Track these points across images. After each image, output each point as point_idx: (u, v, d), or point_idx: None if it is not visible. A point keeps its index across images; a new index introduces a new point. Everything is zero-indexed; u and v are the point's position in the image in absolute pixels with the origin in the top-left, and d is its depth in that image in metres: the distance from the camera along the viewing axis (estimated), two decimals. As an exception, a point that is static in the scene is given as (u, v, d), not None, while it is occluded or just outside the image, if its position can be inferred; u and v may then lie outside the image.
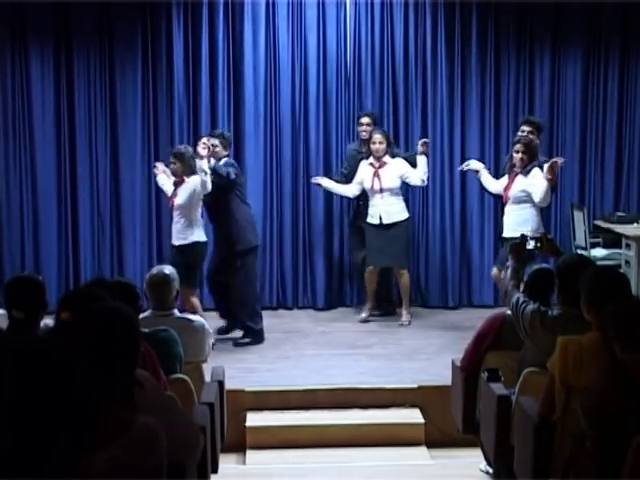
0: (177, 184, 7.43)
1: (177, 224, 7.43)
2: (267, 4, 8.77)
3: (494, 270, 7.69)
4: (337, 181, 8.36)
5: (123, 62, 8.73)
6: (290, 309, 8.86)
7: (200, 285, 8.06)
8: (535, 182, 7.22)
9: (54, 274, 8.66)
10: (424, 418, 6.27)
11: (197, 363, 5.01)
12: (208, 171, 7.13)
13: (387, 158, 8.04)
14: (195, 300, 7.48)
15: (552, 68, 8.99)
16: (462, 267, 9.06)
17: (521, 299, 4.61)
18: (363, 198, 8.24)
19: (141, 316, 4.73)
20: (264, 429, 6.18)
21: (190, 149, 7.46)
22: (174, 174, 7.48)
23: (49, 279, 8.05)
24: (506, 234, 7.29)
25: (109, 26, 8.68)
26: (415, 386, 6.46)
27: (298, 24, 8.80)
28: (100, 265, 8.84)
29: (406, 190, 8.90)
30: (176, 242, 7.44)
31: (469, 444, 5.55)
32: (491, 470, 5.33)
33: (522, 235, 5.20)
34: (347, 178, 8.32)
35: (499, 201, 7.77)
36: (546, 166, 7.15)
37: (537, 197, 7.20)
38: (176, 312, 5.13)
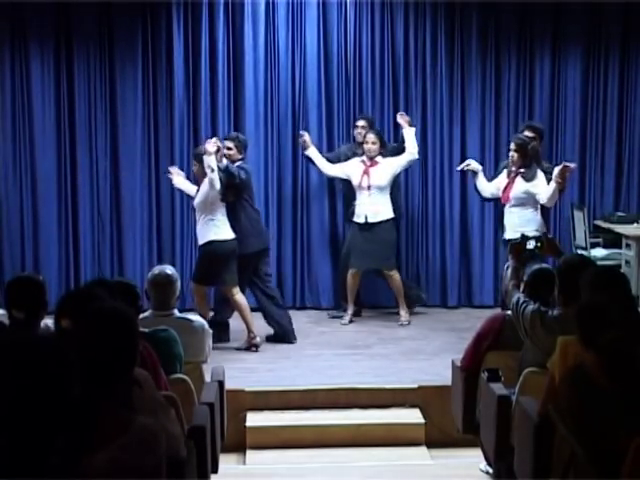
0: (198, 184, 7.49)
1: (197, 223, 7.50)
2: (267, 4, 8.77)
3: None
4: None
5: (123, 62, 8.73)
6: (290, 309, 8.86)
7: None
8: (539, 183, 7.22)
9: (54, 274, 8.66)
10: (424, 418, 6.27)
11: (197, 363, 5.01)
12: (215, 168, 7.15)
13: (379, 158, 8.08)
14: (239, 298, 7.50)
15: (552, 68, 8.99)
16: (462, 267, 9.06)
17: (521, 299, 4.61)
18: (353, 197, 8.24)
19: (141, 316, 4.73)
20: (264, 429, 6.18)
21: None
22: (195, 175, 7.56)
23: (49, 279, 8.04)
24: (509, 235, 7.26)
25: (109, 26, 8.68)
26: (415, 386, 6.46)
27: (298, 24, 8.79)
28: (100, 265, 8.84)
29: (406, 190, 8.94)
30: (198, 241, 7.50)
31: (469, 444, 5.55)
32: (491, 470, 5.33)
33: (522, 235, 5.21)
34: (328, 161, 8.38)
35: (498, 202, 7.75)
36: (557, 169, 7.13)
37: (544, 197, 7.19)
38: (176, 312, 5.13)
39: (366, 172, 8.06)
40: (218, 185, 7.20)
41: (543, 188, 7.19)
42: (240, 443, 6.10)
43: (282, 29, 8.80)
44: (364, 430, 6.20)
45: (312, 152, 8.30)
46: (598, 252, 8.54)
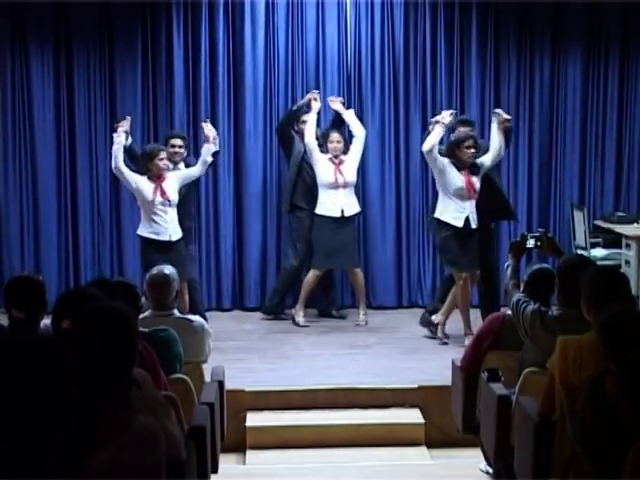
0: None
1: (174, 220, 7.63)
2: (267, 4, 8.77)
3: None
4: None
5: (123, 62, 8.73)
6: (290, 309, 8.84)
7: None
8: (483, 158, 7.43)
9: (54, 274, 8.67)
10: (424, 418, 6.26)
11: (197, 363, 5.01)
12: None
13: (343, 156, 8.11)
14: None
15: (552, 68, 8.99)
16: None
17: (521, 299, 4.61)
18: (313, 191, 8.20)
19: (141, 316, 4.73)
20: (264, 429, 6.18)
21: None
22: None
23: (49, 279, 8.05)
24: (475, 225, 7.41)
25: (109, 26, 8.68)
26: (415, 386, 6.46)
27: (298, 24, 8.79)
28: (100, 265, 8.84)
29: (406, 190, 8.94)
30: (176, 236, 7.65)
31: (469, 444, 5.55)
32: (491, 470, 5.33)
33: (522, 234, 5.20)
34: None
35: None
36: (496, 123, 7.42)
37: (494, 151, 7.40)
38: (176, 312, 5.13)
39: (338, 170, 8.08)
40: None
41: (488, 155, 7.42)
42: (240, 443, 6.10)
43: (282, 29, 8.80)
44: (364, 430, 6.19)
45: (312, 118, 8.19)
46: (598, 252, 8.53)
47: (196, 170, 7.63)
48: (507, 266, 5.09)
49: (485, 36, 8.90)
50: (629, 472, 2.89)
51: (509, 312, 4.80)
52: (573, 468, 3.39)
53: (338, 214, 8.10)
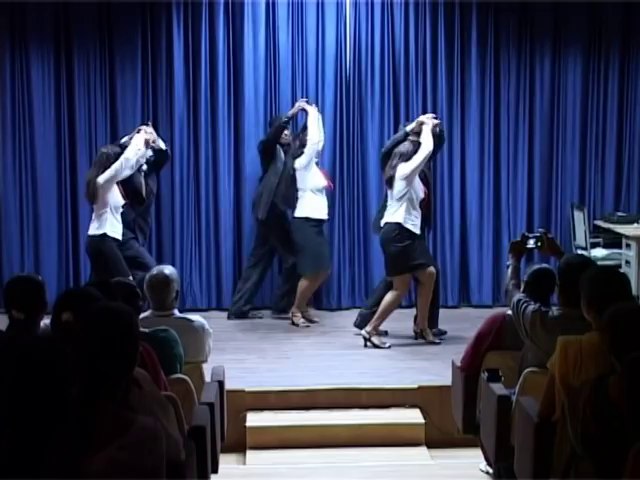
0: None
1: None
2: (267, 4, 8.77)
3: None
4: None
5: (123, 62, 8.74)
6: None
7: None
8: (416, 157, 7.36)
9: (54, 274, 8.67)
10: (424, 418, 6.27)
11: (197, 363, 5.01)
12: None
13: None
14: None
15: (552, 68, 8.99)
16: (461, 267, 9.05)
17: (522, 299, 4.61)
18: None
19: (141, 316, 4.73)
20: (264, 429, 6.18)
21: None
22: None
23: (49, 279, 8.05)
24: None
25: (109, 26, 8.68)
26: (415, 386, 6.46)
27: (298, 24, 8.79)
28: (100, 265, 8.83)
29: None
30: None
31: (469, 444, 5.55)
32: (491, 470, 5.33)
33: (522, 234, 5.20)
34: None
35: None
36: (425, 128, 7.42)
37: (426, 148, 7.35)
38: (176, 312, 5.12)
39: (323, 173, 8.20)
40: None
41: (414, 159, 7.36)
42: (240, 443, 6.10)
43: (282, 29, 8.80)
44: (364, 430, 6.19)
45: (313, 121, 8.08)
46: (598, 252, 8.54)
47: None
48: (507, 266, 5.09)
49: (485, 36, 8.90)
50: (629, 472, 2.89)
51: (509, 312, 4.80)
52: (573, 468, 3.39)
53: (326, 217, 8.20)
